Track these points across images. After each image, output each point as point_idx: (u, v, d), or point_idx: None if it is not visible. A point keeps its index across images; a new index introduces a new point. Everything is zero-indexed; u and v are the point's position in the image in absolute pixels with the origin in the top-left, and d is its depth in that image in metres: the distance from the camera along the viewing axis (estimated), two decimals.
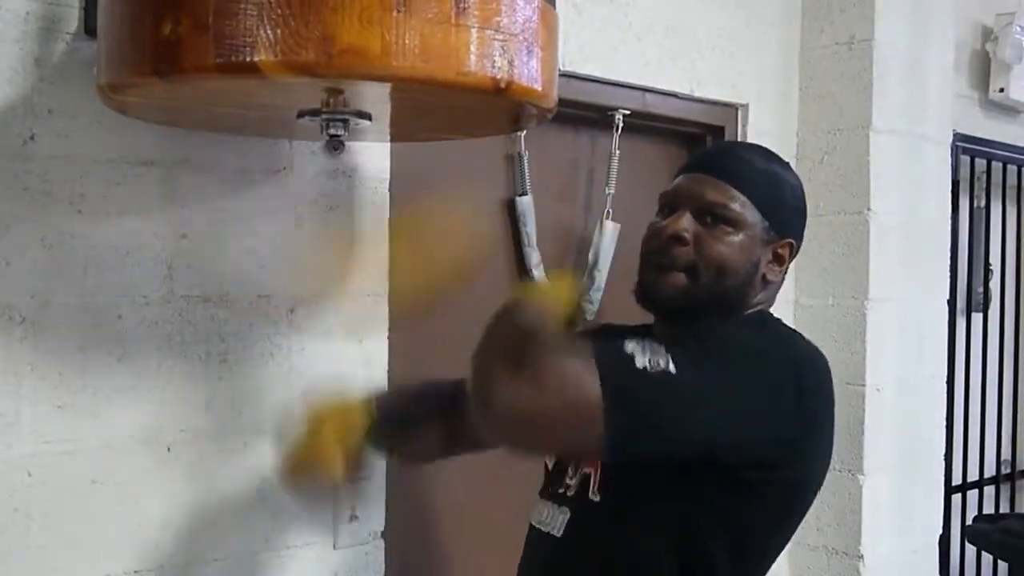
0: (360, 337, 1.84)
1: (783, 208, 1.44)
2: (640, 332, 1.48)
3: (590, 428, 1.18)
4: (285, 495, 1.75)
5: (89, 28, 1.47)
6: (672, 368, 1.21)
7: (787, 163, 1.53)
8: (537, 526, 1.48)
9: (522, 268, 2.23)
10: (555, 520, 1.44)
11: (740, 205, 1.39)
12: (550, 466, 1.53)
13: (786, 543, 1.49)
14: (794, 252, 1.47)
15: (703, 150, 1.50)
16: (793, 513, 1.44)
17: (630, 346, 1.24)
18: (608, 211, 2.33)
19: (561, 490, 1.46)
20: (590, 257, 2.32)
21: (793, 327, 1.52)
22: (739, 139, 2.61)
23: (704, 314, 1.40)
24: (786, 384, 1.31)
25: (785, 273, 1.49)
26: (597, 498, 1.40)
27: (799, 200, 1.49)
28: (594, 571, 1.41)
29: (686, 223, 1.39)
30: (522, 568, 1.52)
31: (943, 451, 2.97)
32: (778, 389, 1.30)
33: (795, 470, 1.36)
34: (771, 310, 1.50)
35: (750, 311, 1.44)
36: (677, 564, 1.35)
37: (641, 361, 1.21)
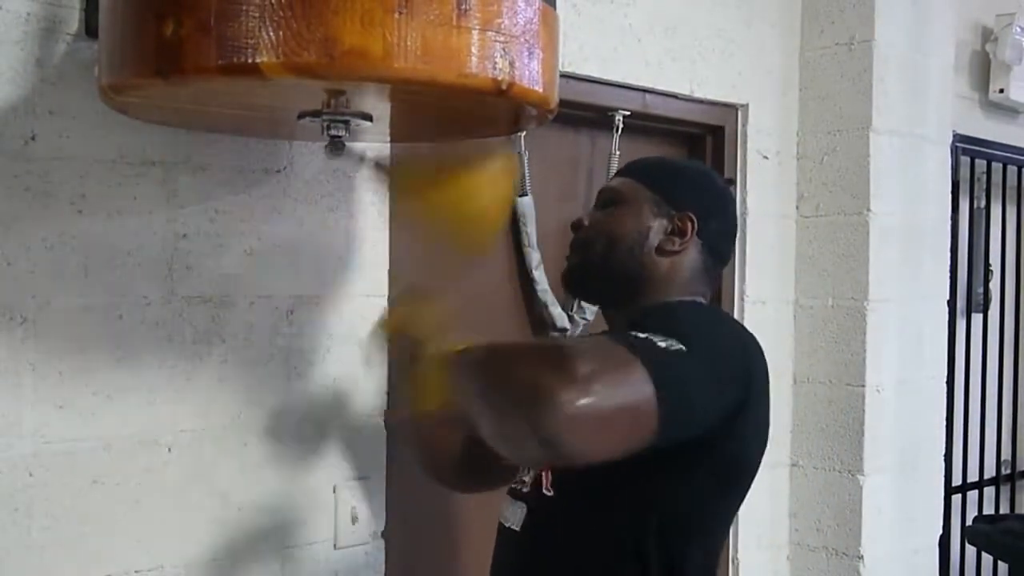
0: (360, 337, 1.84)
1: (675, 184, 1.52)
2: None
3: (646, 418, 1.18)
4: (286, 495, 1.76)
5: (90, 29, 1.47)
6: (683, 346, 1.24)
7: (701, 163, 1.69)
8: (502, 522, 1.52)
9: (523, 268, 2.24)
10: (515, 515, 1.49)
11: (624, 186, 1.53)
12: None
13: (730, 522, 1.55)
14: (699, 227, 1.48)
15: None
16: (731, 491, 1.46)
17: (639, 332, 1.26)
18: None
19: (517, 485, 1.51)
20: None
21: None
22: (739, 139, 2.62)
23: (614, 290, 1.50)
24: (738, 361, 1.37)
25: (703, 255, 1.50)
26: (551, 492, 1.44)
27: (699, 179, 1.57)
28: (551, 563, 1.45)
29: (585, 214, 1.56)
30: (493, 564, 1.56)
31: (943, 452, 2.97)
32: (731, 365, 1.35)
33: (732, 446, 1.38)
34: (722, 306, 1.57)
35: (672, 298, 1.48)
36: (631, 552, 1.38)
37: (662, 342, 1.23)
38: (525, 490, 1.49)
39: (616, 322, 1.53)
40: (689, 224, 1.48)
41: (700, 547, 1.44)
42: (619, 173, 1.61)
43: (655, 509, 1.38)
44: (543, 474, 1.45)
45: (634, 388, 1.17)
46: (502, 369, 1.23)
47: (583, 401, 1.11)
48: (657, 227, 1.48)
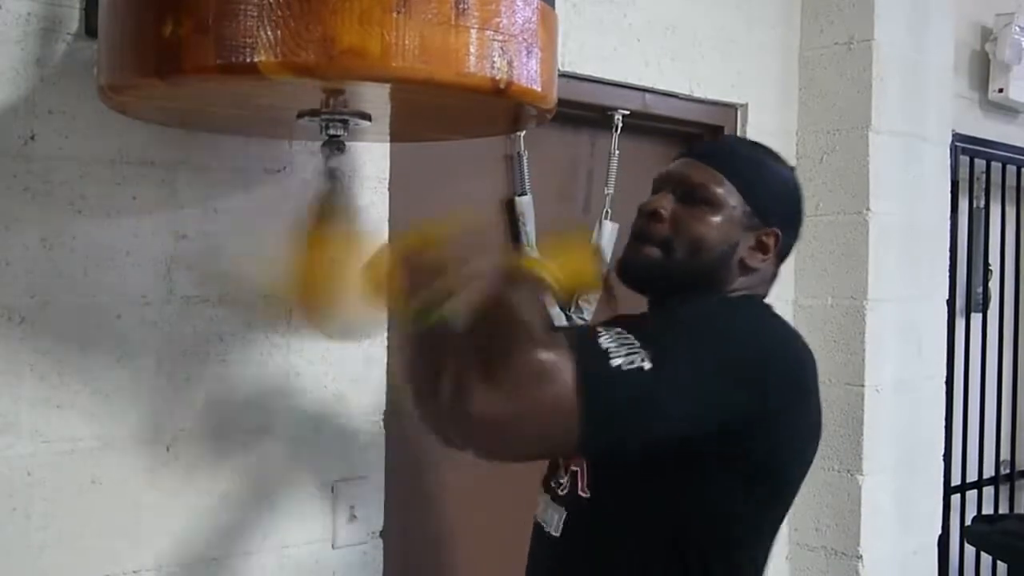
0: (359, 337, 1.84)
1: (767, 196, 1.45)
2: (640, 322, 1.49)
3: (566, 426, 1.16)
4: (284, 494, 1.76)
5: (90, 29, 1.47)
6: (647, 364, 1.19)
7: (785, 160, 1.52)
8: (540, 523, 1.48)
9: None
10: (553, 519, 1.45)
11: (720, 186, 1.41)
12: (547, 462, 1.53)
13: (776, 527, 1.48)
14: (781, 243, 1.45)
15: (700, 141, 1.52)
16: (774, 496, 1.42)
17: (605, 340, 1.22)
18: (607, 211, 2.33)
19: (555, 485, 1.46)
20: None
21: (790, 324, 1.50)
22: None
23: (679, 291, 1.42)
24: (752, 358, 1.31)
25: (775, 266, 1.48)
26: (587, 495, 1.40)
27: (790, 192, 1.49)
28: (592, 570, 1.41)
29: (665, 202, 1.43)
30: (529, 566, 1.53)
31: (942, 451, 2.98)
32: (741, 363, 1.29)
33: (758, 452, 1.34)
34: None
35: (732, 294, 1.44)
36: (671, 556, 1.35)
37: (617, 359, 1.19)
38: (563, 492, 1.44)
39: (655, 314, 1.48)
40: (773, 241, 1.44)
41: (743, 554, 1.40)
42: (708, 157, 1.47)
43: (689, 512, 1.35)
44: (579, 475, 1.41)
45: (552, 395, 1.15)
46: (476, 338, 1.21)
47: (491, 399, 1.14)
48: (743, 241, 1.42)
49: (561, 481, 1.45)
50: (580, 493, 1.41)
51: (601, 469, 1.38)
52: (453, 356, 1.20)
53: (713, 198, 1.41)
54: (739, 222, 1.42)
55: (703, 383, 1.25)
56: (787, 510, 1.47)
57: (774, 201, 1.46)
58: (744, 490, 1.36)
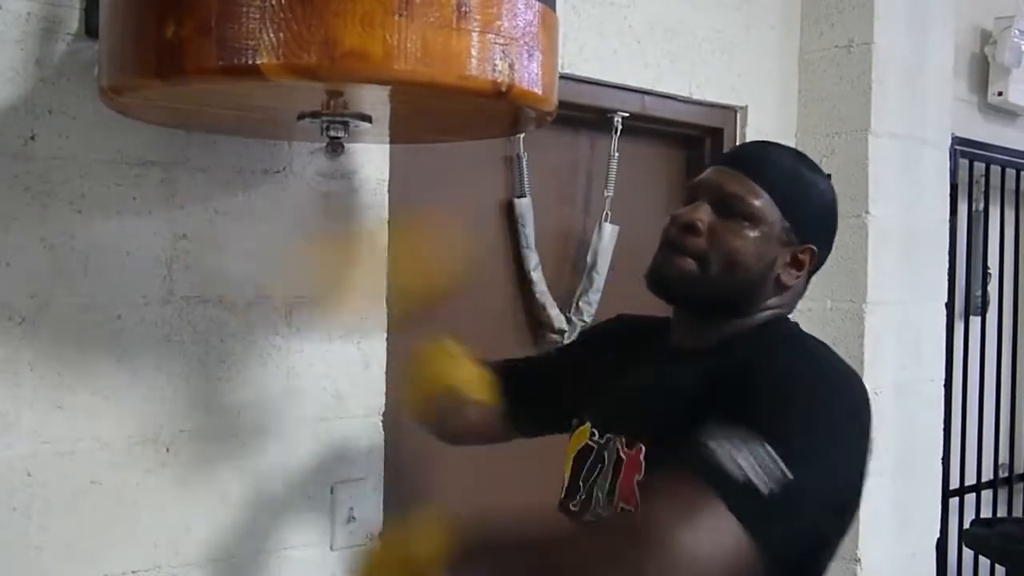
0: (359, 338, 1.84)
1: (806, 212, 1.40)
2: (659, 331, 1.48)
3: (743, 560, 1.10)
4: (283, 496, 1.76)
5: (90, 29, 1.48)
6: (788, 472, 1.12)
7: (821, 170, 1.48)
8: None
9: (521, 270, 2.24)
10: None
11: (760, 200, 1.36)
12: (566, 480, 1.49)
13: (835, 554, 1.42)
14: (816, 260, 1.42)
15: (736, 146, 1.44)
16: (848, 527, 1.36)
17: (725, 456, 1.13)
18: (607, 213, 2.33)
19: (587, 516, 1.40)
20: (589, 259, 2.32)
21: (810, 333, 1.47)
22: (738, 141, 2.61)
23: (711, 306, 1.39)
24: (862, 425, 1.27)
25: (806, 281, 1.45)
26: None
27: (827, 207, 1.45)
28: None
29: (702, 213, 1.37)
30: None
31: (941, 455, 2.98)
32: (862, 434, 1.26)
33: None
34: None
35: (763, 313, 1.41)
36: None
37: (756, 480, 1.11)
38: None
39: (697, 331, 1.42)
40: (809, 257, 1.40)
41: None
42: (747, 167, 1.39)
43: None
44: (631, 511, 1.33)
45: (718, 536, 1.08)
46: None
47: (672, 567, 1.06)
48: (780, 258, 1.38)
49: (603, 514, 1.38)
50: None
51: None
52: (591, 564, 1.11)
53: (752, 212, 1.36)
54: (777, 238, 1.37)
55: (841, 470, 1.22)
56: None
57: (812, 217, 1.42)
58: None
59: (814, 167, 1.47)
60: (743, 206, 1.36)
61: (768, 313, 1.41)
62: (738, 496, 1.10)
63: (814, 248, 1.40)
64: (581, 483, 1.44)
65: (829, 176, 1.48)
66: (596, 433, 1.45)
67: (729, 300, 1.38)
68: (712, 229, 1.36)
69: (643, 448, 1.33)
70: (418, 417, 1.65)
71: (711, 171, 1.43)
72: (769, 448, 1.13)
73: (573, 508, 1.44)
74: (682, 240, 1.37)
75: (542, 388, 1.66)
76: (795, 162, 1.44)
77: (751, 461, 1.12)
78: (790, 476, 1.12)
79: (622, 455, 1.36)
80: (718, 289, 1.37)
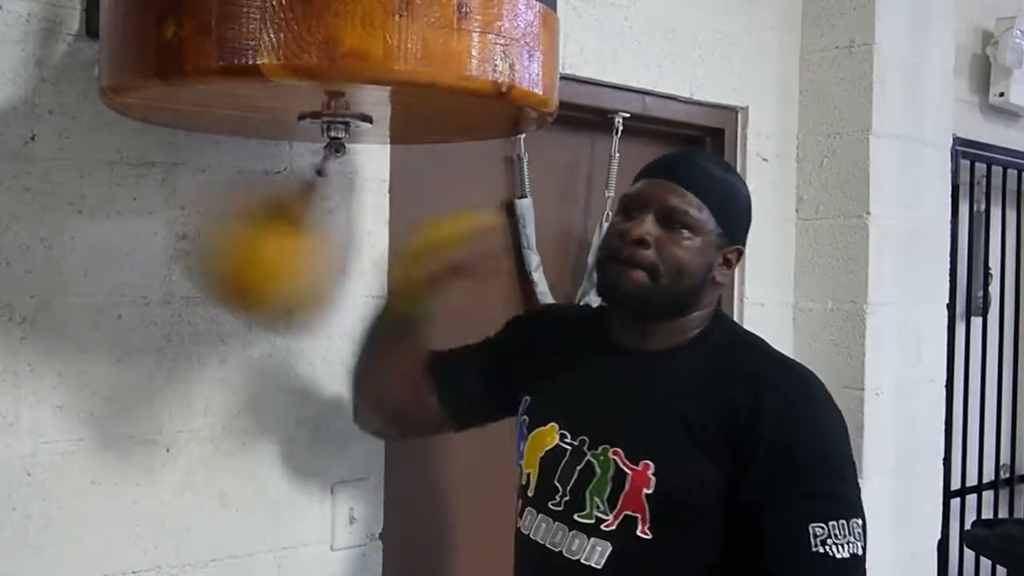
0: (356, 337, 1.84)
1: (735, 217, 1.54)
2: (589, 324, 1.64)
3: None
4: (284, 496, 1.76)
5: (90, 30, 1.48)
6: (860, 548, 1.37)
7: (738, 173, 1.65)
8: (564, 554, 1.46)
9: (522, 271, 2.24)
10: (593, 552, 1.44)
11: (699, 211, 1.48)
12: (533, 478, 1.54)
13: None
14: (740, 257, 1.56)
15: (663, 157, 1.56)
16: None
17: (828, 541, 1.35)
18: (607, 214, 2.33)
19: (580, 518, 1.46)
20: (589, 260, 2.32)
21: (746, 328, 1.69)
22: (739, 142, 2.62)
23: (663, 312, 1.51)
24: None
25: (732, 276, 1.60)
26: (648, 536, 1.41)
27: (748, 210, 1.59)
28: None
29: (649, 227, 1.47)
30: None
31: (942, 455, 2.98)
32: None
33: None
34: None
35: (703, 310, 1.54)
36: None
37: (862, 549, 1.38)
38: (607, 528, 1.43)
39: (646, 331, 1.54)
40: (736, 256, 1.54)
41: None
42: (684, 179, 1.50)
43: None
44: (640, 520, 1.41)
45: None
46: None
47: None
48: (716, 260, 1.51)
49: (601, 514, 1.44)
50: (640, 534, 1.41)
51: (670, 515, 1.41)
52: None
53: (694, 224, 1.48)
54: (714, 244, 1.50)
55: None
56: None
57: (739, 220, 1.55)
58: None
59: (735, 171, 1.68)
60: (686, 218, 1.48)
61: (707, 310, 1.55)
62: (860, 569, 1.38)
63: (741, 248, 1.55)
64: (558, 483, 1.49)
65: (742, 178, 1.65)
66: (568, 435, 1.51)
67: (677, 304, 1.51)
68: (659, 241, 1.47)
69: (651, 464, 1.42)
70: (362, 423, 1.73)
71: (649, 184, 1.53)
72: (858, 521, 1.38)
73: (555, 507, 1.49)
74: (633, 254, 1.47)
75: (475, 378, 1.69)
76: (724, 172, 1.58)
77: (857, 538, 1.38)
78: (860, 552, 1.38)
79: (624, 468, 1.43)
80: (669, 295, 1.49)
